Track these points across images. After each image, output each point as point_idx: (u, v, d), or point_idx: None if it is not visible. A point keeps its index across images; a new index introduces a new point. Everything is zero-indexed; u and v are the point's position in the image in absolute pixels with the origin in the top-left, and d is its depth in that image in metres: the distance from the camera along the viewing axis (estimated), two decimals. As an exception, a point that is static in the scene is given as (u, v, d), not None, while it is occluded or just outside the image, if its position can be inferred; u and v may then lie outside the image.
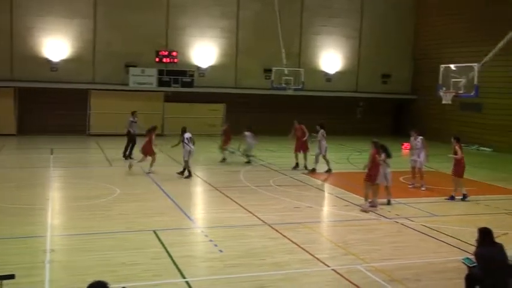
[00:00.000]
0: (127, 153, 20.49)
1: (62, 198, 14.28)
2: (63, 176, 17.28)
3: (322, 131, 18.78)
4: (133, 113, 21.36)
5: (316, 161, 18.99)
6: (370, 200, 13.45)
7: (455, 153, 14.94)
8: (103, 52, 28.51)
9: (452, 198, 14.96)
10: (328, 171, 18.86)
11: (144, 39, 28.85)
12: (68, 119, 27.79)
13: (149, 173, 17.35)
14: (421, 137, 16.53)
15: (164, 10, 29.54)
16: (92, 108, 28.50)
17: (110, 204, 13.17)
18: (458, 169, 15.00)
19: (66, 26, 28.02)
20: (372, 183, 13.53)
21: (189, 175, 16.98)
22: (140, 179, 16.80)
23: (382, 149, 13.77)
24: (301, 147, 19.38)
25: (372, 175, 13.51)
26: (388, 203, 14.00)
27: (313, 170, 18.90)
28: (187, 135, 17.05)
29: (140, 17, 28.77)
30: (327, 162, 18.98)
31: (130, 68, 28.52)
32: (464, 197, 14.93)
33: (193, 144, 17.18)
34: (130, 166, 17.70)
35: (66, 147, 23.77)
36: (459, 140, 15.18)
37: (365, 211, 13.21)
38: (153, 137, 17.86)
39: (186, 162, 16.96)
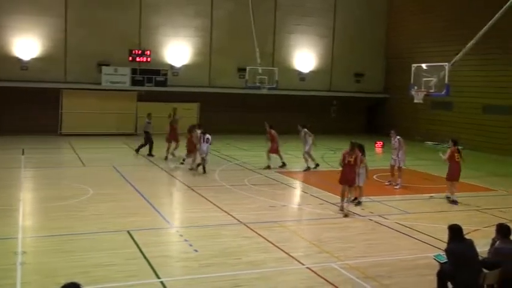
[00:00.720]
0: (148, 152, 21.10)
1: (34, 199, 14.04)
2: (35, 177, 17.01)
3: (305, 129, 19.10)
4: (148, 115, 21.82)
5: (311, 158, 19.23)
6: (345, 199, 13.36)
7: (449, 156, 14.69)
8: (75, 51, 28.14)
9: (454, 202, 14.61)
10: (307, 169, 19.06)
11: (117, 38, 28.57)
12: (39, 118, 27.33)
13: (191, 169, 18.13)
14: (398, 137, 16.73)
15: (137, 9, 29.30)
16: (63, 107, 28.12)
17: (83, 205, 13.01)
18: (453, 173, 14.75)
19: (36, 25, 27.56)
20: (345, 185, 13.17)
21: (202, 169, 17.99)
22: (114, 179, 16.64)
23: (359, 148, 13.57)
24: (272, 149, 19.52)
25: (343, 175, 13.24)
26: (358, 203, 13.78)
27: (316, 166, 19.32)
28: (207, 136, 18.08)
29: (113, 16, 28.50)
30: (306, 160, 19.16)
31: (103, 67, 28.22)
32: (448, 198, 14.80)
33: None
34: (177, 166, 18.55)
35: (38, 147, 23.38)
36: (456, 143, 14.94)
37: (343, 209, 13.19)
38: (194, 134, 18.55)
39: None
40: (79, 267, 8.69)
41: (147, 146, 21.16)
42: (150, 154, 21.01)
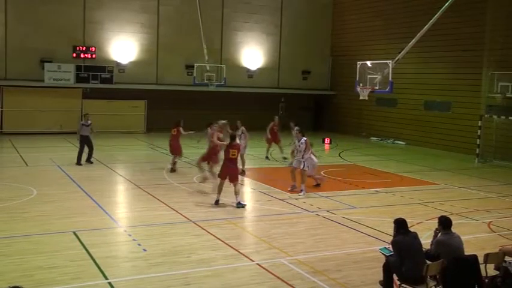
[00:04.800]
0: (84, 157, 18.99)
1: (-27, 201, 13.51)
2: (-27, 178, 16.36)
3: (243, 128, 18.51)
4: (85, 115, 20.13)
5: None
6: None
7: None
8: (16, 47, 27.20)
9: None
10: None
11: (60, 34, 27.83)
12: (-22, 117, 26.35)
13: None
14: (305, 138, 15.96)
15: (81, 3, 28.59)
16: (4, 105, 27.17)
17: (26, 206, 12.61)
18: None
19: (-26, 19, 26.53)
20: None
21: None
22: (58, 178, 16.20)
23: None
24: None
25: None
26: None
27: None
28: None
29: (55, 10, 27.72)
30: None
31: (46, 64, 27.40)
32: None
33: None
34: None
35: (-23, 147, 22.53)
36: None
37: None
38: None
39: None
40: (22, 270, 8.42)
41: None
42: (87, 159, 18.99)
